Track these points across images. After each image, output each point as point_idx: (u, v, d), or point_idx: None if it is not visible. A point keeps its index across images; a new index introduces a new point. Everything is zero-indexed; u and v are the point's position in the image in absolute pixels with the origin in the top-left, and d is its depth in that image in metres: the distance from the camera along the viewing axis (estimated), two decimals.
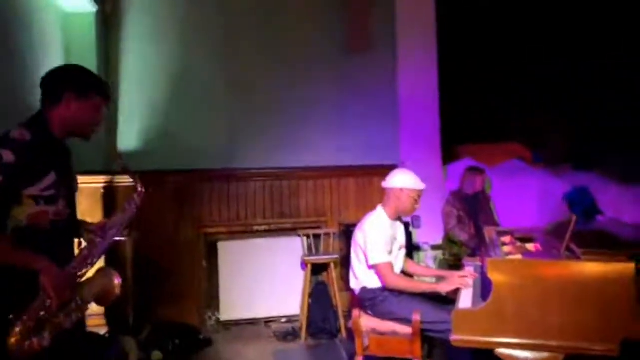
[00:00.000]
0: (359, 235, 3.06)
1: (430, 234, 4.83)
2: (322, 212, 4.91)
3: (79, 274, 1.94)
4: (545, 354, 2.20)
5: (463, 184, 4.78)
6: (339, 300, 4.48)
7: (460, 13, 5.51)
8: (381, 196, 3.17)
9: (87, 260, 1.96)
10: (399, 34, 5.05)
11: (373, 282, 2.98)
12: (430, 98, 5.08)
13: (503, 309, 2.24)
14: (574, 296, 2.18)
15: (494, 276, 2.26)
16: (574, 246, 2.42)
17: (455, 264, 4.32)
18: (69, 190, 2.01)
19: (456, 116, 5.35)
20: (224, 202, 4.73)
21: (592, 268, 2.19)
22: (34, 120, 1.94)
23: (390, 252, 3.00)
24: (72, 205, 2.03)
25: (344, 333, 4.33)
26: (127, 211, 2.09)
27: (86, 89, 1.97)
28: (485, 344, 2.26)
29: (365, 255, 2.98)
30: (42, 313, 1.78)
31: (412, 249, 4.51)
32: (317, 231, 4.75)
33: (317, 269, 4.68)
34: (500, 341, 2.24)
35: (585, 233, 2.71)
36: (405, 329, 2.80)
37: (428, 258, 4.86)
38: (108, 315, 3.71)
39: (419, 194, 3.08)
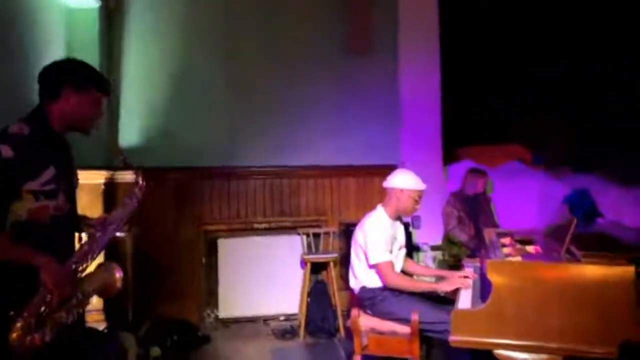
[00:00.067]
0: (359, 235, 3.07)
1: (430, 235, 4.83)
2: (322, 211, 4.91)
3: (79, 269, 1.93)
4: (544, 356, 2.20)
5: (465, 185, 4.79)
6: (338, 299, 4.48)
7: (462, 16, 5.50)
8: (381, 196, 3.18)
9: (87, 255, 1.96)
10: (401, 36, 5.05)
11: (372, 281, 2.99)
12: (432, 100, 5.08)
13: (502, 310, 2.24)
14: (574, 299, 2.18)
15: (494, 277, 2.27)
16: (574, 249, 2.42)
17: (454, 265, 4.32)
18: (69, 185, 2.00)
19: (457, 118, 5.35)
20: (224, 200, 4.73)
21: (592, 271, 2.20)
22: (33, 114, 1.93)
23: (390, 252, 3.00)
24: (72, 199, 2.02)
25: (342, 332, 4.33)
26: (128, 206, 2.09)
27: (85, 83, 1.96)
28: (484, 345, 2.27)
29: (366, 255, 2.98)
30: (42, 309, 1.77)
31: (411, 249, 4.51)
32: (317, 230, 4.76)
33: (317, 268, 4.68)
34: (499, 342, 2.24)
35: (585, 236, 2.70)
36: (404, 329, 2.80)
37: (427, 258, 4.86)
38: (107, 310, 3.72)
39: (420, 194, 3.08)
